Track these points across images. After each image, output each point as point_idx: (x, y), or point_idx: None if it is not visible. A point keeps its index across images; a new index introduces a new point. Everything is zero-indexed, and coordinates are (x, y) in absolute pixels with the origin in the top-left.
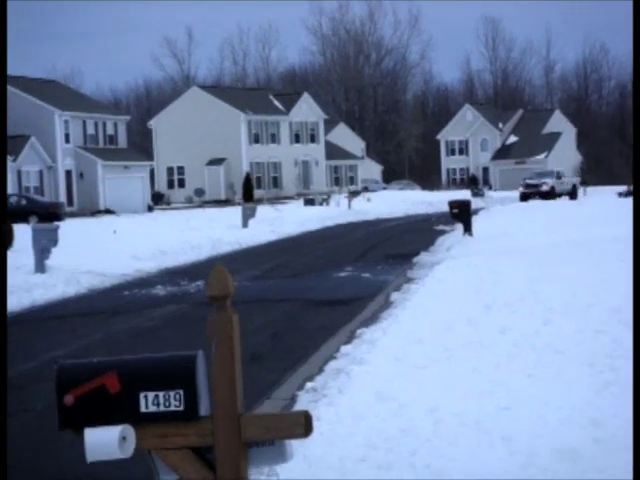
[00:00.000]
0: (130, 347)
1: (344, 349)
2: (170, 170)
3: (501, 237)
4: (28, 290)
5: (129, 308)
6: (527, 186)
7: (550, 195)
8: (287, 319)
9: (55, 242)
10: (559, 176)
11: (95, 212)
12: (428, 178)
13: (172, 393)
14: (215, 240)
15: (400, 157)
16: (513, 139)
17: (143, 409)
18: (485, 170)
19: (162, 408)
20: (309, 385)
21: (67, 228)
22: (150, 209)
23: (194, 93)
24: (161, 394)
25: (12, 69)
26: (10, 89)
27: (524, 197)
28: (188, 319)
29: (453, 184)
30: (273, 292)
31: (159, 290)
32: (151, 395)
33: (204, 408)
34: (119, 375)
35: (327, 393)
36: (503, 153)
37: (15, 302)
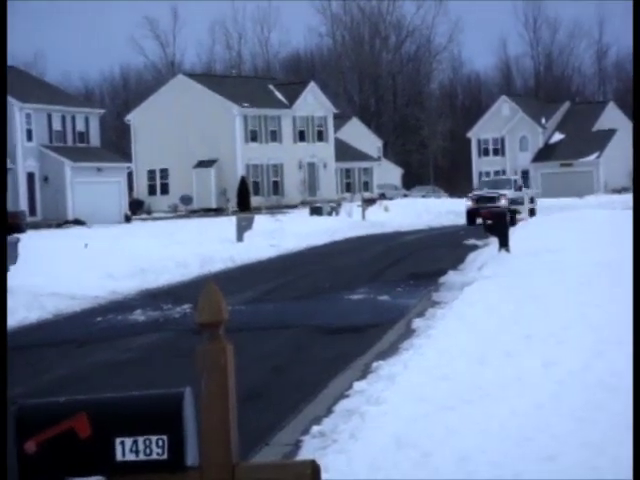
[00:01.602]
0: (103, 384)
1: (357, 386)
2: (151, 173)
3: (544, 253)
4: None
5: (102, 337)
6: (478, 200)
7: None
8: (290, 350)
9: (15, 258)
10: (519, 186)
11: (62, 223)
12: (456, 183)
13: (154, 439)
14: (205, 256)
15: (423, 158)
16: (558, 137)
17: (119, 457)
18: (525, 174)
19: (142, 457)
20: (316, 429)
21: (29, 242)
22: (128, 219)
23: (180, 82)
24: (141, 440)
25: None
26: None
27: (472, 216)
28: (172, 350)
29: None
30: (273, 318)
31: (138, 315)
32: (129, 441)
33: (192, 457)
34: (90, 417)
35: (337, 438)
36: (546, 153)
37: None
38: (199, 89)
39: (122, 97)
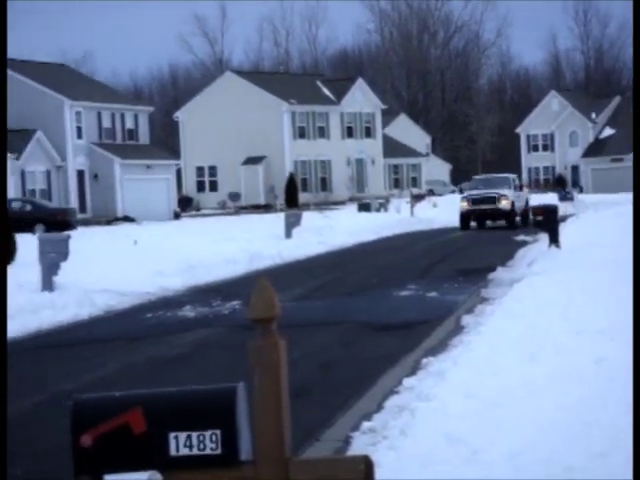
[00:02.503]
0: (154, 380)
1: (407, 382)
2: (200, 170)
3: (595, 249)
4: (34, 312)
5: (152, 333)
6: (474, 201)
7: (509, 217)
8: (339, 346)
9: (65, 255)
10: (519, 186)
11: (112, 220)
12: None
13: (207, 433)
14: (253, 253)
15: (472, 154)
16: (609, 132)
17: (173, 452)
18: (575, 169)
19: (195, 451)
20: (366, 425)
21: (79, 238)
22: (177, 216)
23: (228, 79)
24: (194, 435)
25: (13, 52)
26: (12, 75)
27: (466, 220)
28: (223, 346)
29: (536, 186)
30: (322, 314)
31: (188, 311)
32: (182, 436)
33: (245, 451)
34: (145, 412)
35: (388, 435)
36: (597, 149)
37: (18, 326)
38: (247, 86)
39: (171, 95)
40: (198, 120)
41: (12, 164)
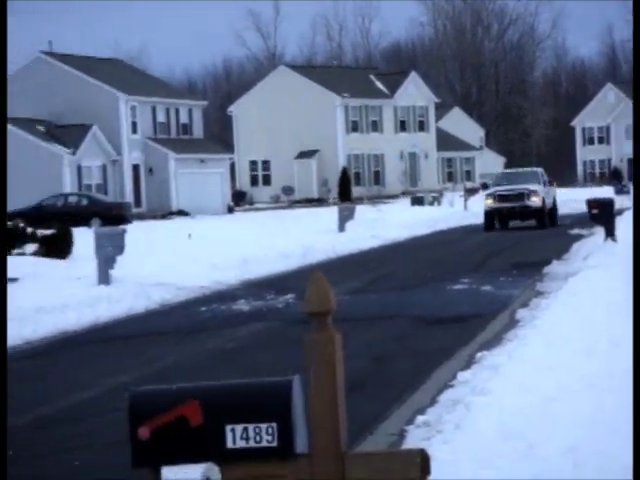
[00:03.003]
0: (210, 373)
1: (461, 376)
2: (253, 164)
3: None
4: (90, 305)
5: (207, 326)
6: (501, 198)
7: (539, 215)
8: (393, 340)
9: (121, 249)
10: (548, 181)
11: (166, 214)
12: (560, 172)
13: (264, 426)
14: (307, 246)
15: (526, 147)
16: None
17: (230, 445)
18: (631, 162)
19: (252, 444)
20: (420, 419)
21: (134, 232)
22: (230, 210)
23: (281, 74)
24: (251, 427)
25: (69, 47)
26: (67, 70)
27: (491, 219)
28: (277, 339)
29: (591, 179)
30: (376, 308)
31: (242, 305)
32: (239, 428)
33: (301, 444)
34: (202, 405)
35: (442, 429)
36: None
37: (75, 319)
38: (300, 80)
39: (224, 89)
40: (252, 114)
41: (68, 159)
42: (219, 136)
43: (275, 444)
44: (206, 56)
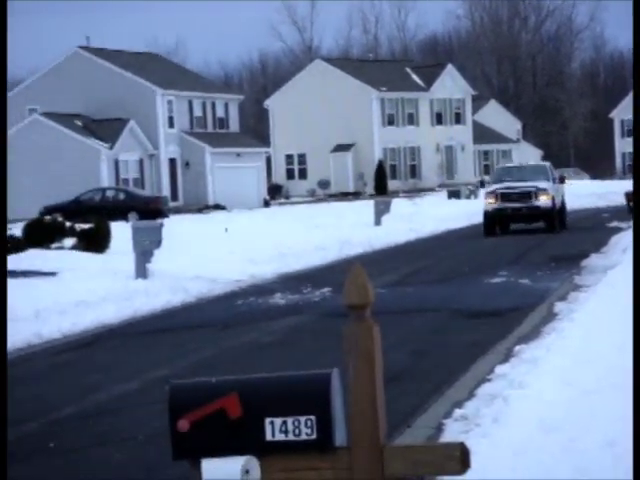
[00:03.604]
0: (247, 366)
1: (499, 369)
2: (289, 158)
3: None
4: (128, 298)
5: (244, 320)
6: (504, 197)
7: (549, 218)
8: (430, 333)
9: (158, 243)
10: (559, 178)
11: (203, 208)
12: (598, 165)
13: (303, 419)
14: (343, 240)
15: (564, 140)
16: None
17: (269, 437)
18: None
19: (291, 437)
20: (458, 412)
21: (171, 226)
22: (266, 204)
23: (317, 67)
24: (290, 420)
25: (106, 42)
26: (105, 65)
27: (492, 221)
28: (314, 333)
29: (630, 171)
30: (413, 301)
31: (278, 299)
32: (278, 421)
33: (340, 437)
34: (241, 397)
35: (480, 422)
36: None
37: (114, 312)
38: (336, 73)
39: (260, 82)
40: (288, 108)
41: (106, 153)
42: (255, 130)
43: (314, 437)
44: (242, 50)
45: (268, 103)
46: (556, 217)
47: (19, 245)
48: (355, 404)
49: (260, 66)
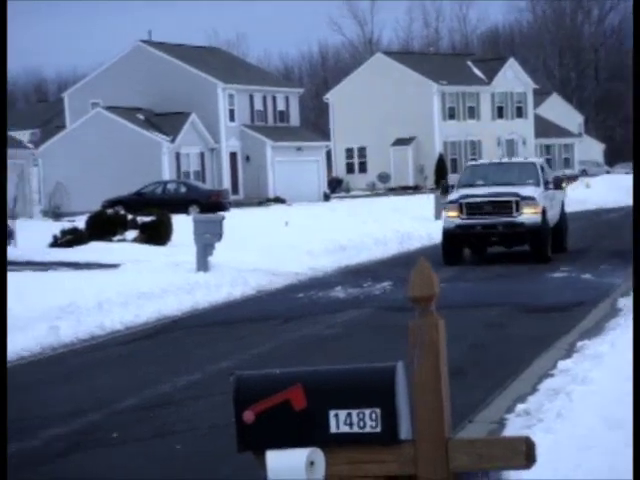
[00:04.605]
0: (308, 359)
1: (562, 365)
2: (349, 152)
3: None
4: (189, 291)
5: (304, 313)
6: (472, 209)
7: (537, 240)
8: (491, 327)
9: (219, 236)
10: (554, 181)
11: (263, 201)
12: None
13: (367, 412)
14: (403, 234)
15: (627, 134)
16: None
17: (333, 430)
18: None
19: (356, 429)
20: (520, 407)
21: (232, 219)
22: (326, 197)
23: (378, 61)
24: (354, 413)
25: (168, 36)
26: (166, 58)
27: (452, 244)
28: (375, 326)
29: None
30: (474, 296)
31: (338, 292)
32: (342, 413)
33: (405, 430)
34: (306, 389)
35: (543, 417)
36: None
37: (175, 304)
38: (397, 67)
39: (320, 76)
40: (348, 101)
41: (167, 147)
42: (315, 123)
43: (379, 430)
44: (303, 43)
45: (328, 97)
46: (547, 238)
47: (82, 238)
48: (420, 397)
49: (320, 59)
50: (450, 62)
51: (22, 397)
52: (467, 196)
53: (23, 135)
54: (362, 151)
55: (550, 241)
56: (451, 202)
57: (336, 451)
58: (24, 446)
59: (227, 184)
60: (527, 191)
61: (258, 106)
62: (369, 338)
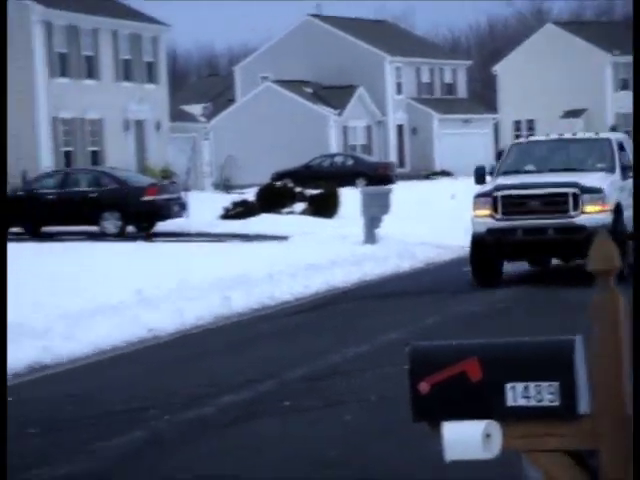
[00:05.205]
0: (479, 332)
1: None
2: (517, 124)
3: None
4: (356, 263)
5: (472, 287)
6: (509, 206)
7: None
8: None
9: (387, 209)
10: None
11: (429, 174)
12: None
13: (545, 385)
14: None
15: None
16: None
17: (510, 402)
18: None
19: (533, 402)
20: None
21: (398, 192)
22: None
23: (548, 31)
24: (532, 386)
25: (336, 10)
26: (334, 32)
27: (483, 257)
28: (541, 303)
29: None
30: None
31: (506, 266)
32: (520, 386)
33: (583, 405)
34: (481, 362)
35: None
36: None
37: (342, 276)
38: (568, 37)
39: (488, 47)
40: (516, 73)
41: (334, 120)
42: (482, 96)
43: (557, 403)
44: (471, 14)
45: (496, 68)
46: (621, 248)
47: (252, 210)
48: (599, 372)
49: (489, 30)
50: (623, 31)
51: (202, 364)
52: (503, 187)
53: (195, 109)
54: (530, 123)
55: (630, 252)
56: (481, 195)
57: (512, 424)
58: (201, 412)
59: (393, 157)
60: (592, 180)
61: (425, 79)
62: (536, 314)
